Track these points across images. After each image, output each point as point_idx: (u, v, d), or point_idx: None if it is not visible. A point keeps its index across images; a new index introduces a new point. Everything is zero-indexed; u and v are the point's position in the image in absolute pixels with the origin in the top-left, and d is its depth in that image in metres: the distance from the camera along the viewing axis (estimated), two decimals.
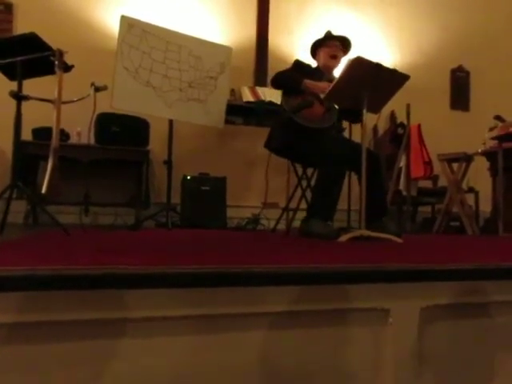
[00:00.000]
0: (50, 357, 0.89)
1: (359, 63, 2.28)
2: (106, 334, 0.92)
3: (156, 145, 3.99)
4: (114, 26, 3.95)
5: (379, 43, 5.12)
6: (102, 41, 4.17)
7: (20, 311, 0.86)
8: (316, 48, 2.95)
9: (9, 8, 3.95)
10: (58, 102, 1.97)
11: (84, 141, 3.69)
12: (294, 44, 4.77)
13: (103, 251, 1.36)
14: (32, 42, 2.03)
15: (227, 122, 3.91)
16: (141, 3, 4.36)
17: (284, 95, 2.68)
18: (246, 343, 1.02)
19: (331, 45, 2.87)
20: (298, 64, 2.86)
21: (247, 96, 4.38)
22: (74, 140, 3.75)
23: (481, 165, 4.19)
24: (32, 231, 2.48)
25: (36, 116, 3.10)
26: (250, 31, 4.68)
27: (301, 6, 4.86)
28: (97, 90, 2.18)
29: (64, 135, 3.61)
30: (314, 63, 3.00)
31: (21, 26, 3.99)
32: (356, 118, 2.73)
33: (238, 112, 4.38)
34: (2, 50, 2.13)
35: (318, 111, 2.66)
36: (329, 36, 2.90)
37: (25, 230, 2.77)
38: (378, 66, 2.34)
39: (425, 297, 1.17)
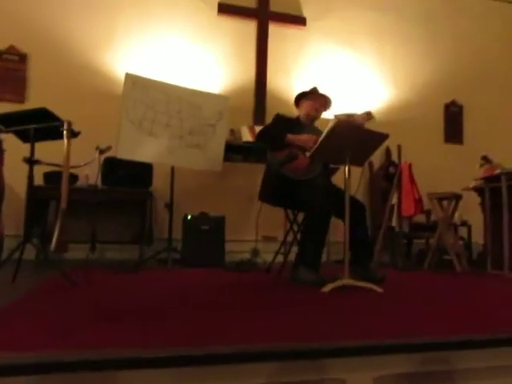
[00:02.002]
0: None
1: (341, 126, 2.48)
2: None
3: (159, 183, 4.22)
4: (119, 73, 4.24)
5: (375, 80, 5.33)
6: (107, 87, 4.45)
7: None
8: (301, 98, 3.17)
9: (23, 58, 4.24)
10: (66, 167, 2.19)
11: (91, 182, 3.94)
12: (292, 84, 5.01)
13: (99, 321, 1.56)
14: (43, 114, 2.28)
15: (227, 159, 4.13)
16: (144, 55, 4.64)
17: (270, 150, 2.89)
18: None
19: (316, 99, 3.10)
20: (280, 118, 3.09)
21: (246, 135, 4.60)
22: (82, 182, 3.98)
23: (474, 198, 4.34)
24: (40, 278, 2.68)
25: (47, 155, 3.36)
26: (250, 72, 4.93)
27: (298, 47, 5.11)
28: (101, 152, 2.40)
29: (73, 177, 3.86)
30: (294, 114, 3.23)
31: (33, 75, 4.30)
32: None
33: (238, 151, 4.59)
34: (18, 119, 2.38)
35: (304, 162, 2.85)
36: (316, 91, 3.12)
37: (35, 274, 2.98)
38: (359, 128, 2.54)
39: (377, 368, 1.35)
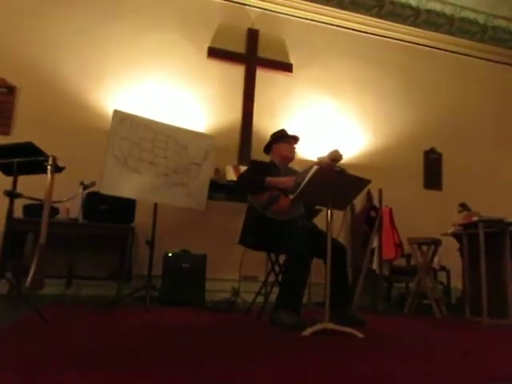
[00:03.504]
0: None
1: (323, 171, 2.54)
2: None
3: (141, 219, 4.18)
4: (107, 110, 4.30)
5: (357, 127, 5.51)
6: (94, 122, 4.49)
7: None
8: (274, 143, 3.24)
9: (12, 90, 4.28)
10: (47, 203, 2.17)
11: (73, 216, 3.90)
12: (277, 126, 5.10)
13: (69, 366, 1.51)
14: (29, 148, 2.28)
15: (210, 197, 4.16)
16: (132, 94, 4.73)
17: (251, 195, 2.92)
18: None
19: (291, 142, 3.19)
20: (255, 163, 3.18)
21: (231, 175, 4.65)
22: (63, 215, 3.93)
23: (453, 243, 4.41)
24: (12, 315, 2.59)
25: (29, 188, 3.32)
26: (236, 114, 5.05)
27: (284, 92, 5.28)
28: (85, 187, 2.40)
29: (53, 210, 3.80)
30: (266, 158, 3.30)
31: (21, 108, 4.32)
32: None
33: (222, 189, 4.63)
34: (3, 152, 2.37)
35: (285, 203, 2.89)
36: (289, 135, 3.22)
37: (6, 310, 2.88)
38: (341, 173, 2.61)
39: None
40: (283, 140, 3.20)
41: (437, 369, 1.74)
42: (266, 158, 3.36)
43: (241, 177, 3.07)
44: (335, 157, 2.80)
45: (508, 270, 3.69)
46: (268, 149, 3.29)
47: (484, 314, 3.60)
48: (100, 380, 1.30)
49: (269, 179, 2.91)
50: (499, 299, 3.66)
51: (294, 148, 3.22)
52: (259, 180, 2.90)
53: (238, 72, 5.14)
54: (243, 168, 4.80)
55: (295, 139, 3.23)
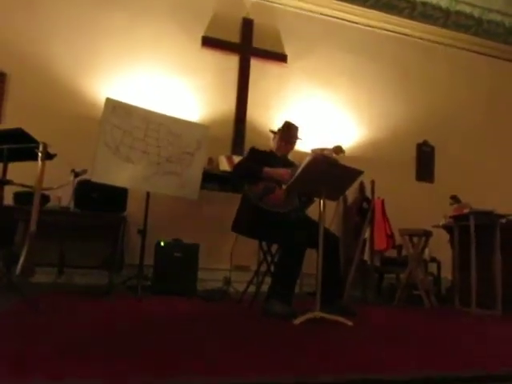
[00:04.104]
0: None
1: (317, 161, 2.54)
2: None
3: (133, 208, 4.16)
4: (99, 98, 4.25)
5: (351, 119, 5.51)
6: (86, 110, 4.44)
7: None
8: (274, 133, 3.25)
9: (2, 77, 4.21)
10: (38, 190, 2.16)
11: (64, 204, 3.87)
12: (271, 117, 5.12)
13: (61, 353, 1.51)
14: (19, 135, 2.25)
15: (203, 187, 4.15)
16: (125, 82, 4.68)
17: (247, 183, 2.92)
18: None
19: (286, 138, 3.19)
20: (255, 151, 3.15)
21: (224, 165, 4.64)
22: (54, 203, 3.90)
23: (444, 234, 4.45)
24: (2, 303, 2.58)
25: (20, 175, 3.29)
26: (230, 104, 5.02)
27: (278, 83, 5.26)
28: (77, 175, 2.38)
29: (44, 198, 3.77)
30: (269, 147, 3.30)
31: (12, 95, 4.26)
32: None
33: (215, 179, 4.61)
34: None
35: (280, 195, 2.89)
36: (286, 129, 3.19)
37: None
38: (334, 164, 2.61)
39: None
40: (280, 134, 3.18)
41: (426, 356, 1.76)
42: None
43: (238, 165, 3.06)
44: (339, 151, 2.88)
45: (497, 261, 3.73)
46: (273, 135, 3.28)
47: (473, 304, 3.65)
48: (91, 367, 1.31)
49: (266, 170, 2.90)
50: (488, 290, 3.71)
51: (291, 144, 3.19)
52: (256, 169, 2.89)
53: (232, 62, 5.10)
54: (237, 158, 4.79)
55: (292, 136, 3.19)
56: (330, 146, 2.98)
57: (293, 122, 3.27)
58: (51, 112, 4.33)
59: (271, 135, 3.35)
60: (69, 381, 1.14)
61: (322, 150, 2.95)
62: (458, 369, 1.56)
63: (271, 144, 3.29)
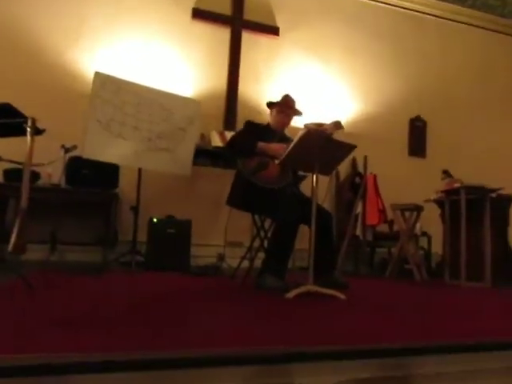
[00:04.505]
0: None
1: (310, 135, 2.52)
2: None
3: (126, 185, 4.14)
4: (89, 72, 4.15)
5: (344, 92, 5.46)
6: (75, 85, 4.35)
7: None
8: (270, 107, 3.20)
9: None
10: (27, 166, 2.12)
11: (54, 181, 3.83)
12: (263, 91, 5.06)
13: (55, 327, 1.51)
14: (6, 110, 2.20)
15: (195, 164, 4.12)
16: (114, 55, 4.57)
17: (240, 158, 2.89)
18: None
19: (283, 111, 3.12)
20: (250, 125, 3.10)
21: (216, 141, 4.60)
22: (44, 180, 3.86)
23: (435, 209, 4.49)
24: None
25: (9, 152, 3.23)
26: (221, 78, 4.95)
27: (270, 56, 5.17)
28: (67, 151, 2.34)
29: (34, 175, 3.73)
30: (264, 121, 3.25)
31: None
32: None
33: (207, 155, 4.58)
34: None
35: (274, 171, 2.87)
36: (283, 103, 3.14)
37: None
38: (328, 138, 2.59)
39: (336, 373, 1.38)
40: (277, 107, 3.13)
41: (418, 326, 1.80)
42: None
43: (233, 138, 3.01)
44: (339, 126, 2.85)
45: (487, 235, 3.79)
46: (269, 108, 3.21)
47: (462, 277, 3.72)
48: (85, 342, 1.31)
49: (260, 144, 2.87)
50: (477, 264, 3.78)
51: (287, 115, 3.13)
52: (251, 144, 2.86)
53: (223, 34, 5.00)
54: (229, 134, 4.75)
55: (288, 107, 3.14)
56: (325, 120, 2.94)
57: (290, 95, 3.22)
58: (38, 86, 4.24)
59: (267, 110, 3.29)
60: (67, 353, 1.14)
61: (321, 124, 2.90)
62: (450, 338, 1.59)
63: (268, 119, 3.25)
